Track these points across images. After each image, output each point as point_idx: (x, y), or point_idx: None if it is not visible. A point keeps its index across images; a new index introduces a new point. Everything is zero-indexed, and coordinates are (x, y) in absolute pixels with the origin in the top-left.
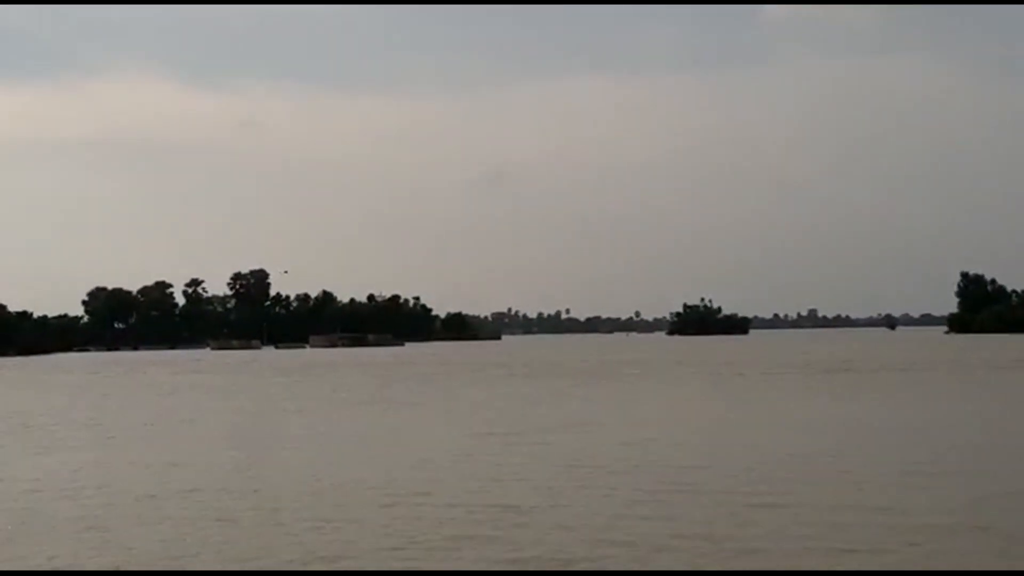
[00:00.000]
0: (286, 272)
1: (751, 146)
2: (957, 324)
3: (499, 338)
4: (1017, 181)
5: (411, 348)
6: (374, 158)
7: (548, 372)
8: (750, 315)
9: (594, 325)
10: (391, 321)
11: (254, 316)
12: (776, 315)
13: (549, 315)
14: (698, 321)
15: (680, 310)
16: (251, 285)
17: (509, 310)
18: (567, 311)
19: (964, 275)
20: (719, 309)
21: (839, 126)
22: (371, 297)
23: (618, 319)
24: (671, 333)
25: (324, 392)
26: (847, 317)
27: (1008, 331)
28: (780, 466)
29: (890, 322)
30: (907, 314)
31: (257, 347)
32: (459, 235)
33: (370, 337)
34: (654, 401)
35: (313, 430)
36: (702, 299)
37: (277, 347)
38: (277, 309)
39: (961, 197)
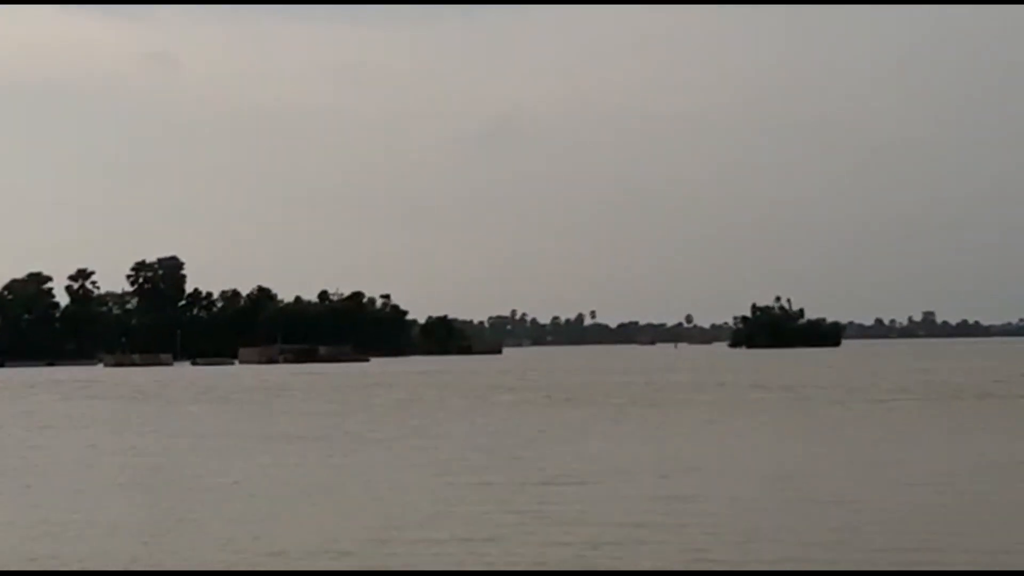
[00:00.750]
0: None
1: (841, 96)
2: None
3: (499, 351)
4: None
5: (378, 364)
6: (327, 106)
7: (562, 397)
8: (843, 320)
9: (629, 333)
10: (351, 328)
11: (163, 321)
12: (879, 320)
13: (567, 320)
14: (771, 328)
15: (747, 314)
16: (159, 278)
17: (513, 314)
18: (592, 315)
19: None
20: (800, 312)
21: (960, 70)
22: (324, 295)
23: (662, 326)
24: (735, 344)
25: (252, 427)
26: (976, 324)
27: None
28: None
29: None
30: None
31: (168, 363)
32: (445, 211)
33: (322, 350)
34: (711, 437)
35: (233, 479)
36: (777, 299)
37: (195, 363)
38: (195, 311)
39: None
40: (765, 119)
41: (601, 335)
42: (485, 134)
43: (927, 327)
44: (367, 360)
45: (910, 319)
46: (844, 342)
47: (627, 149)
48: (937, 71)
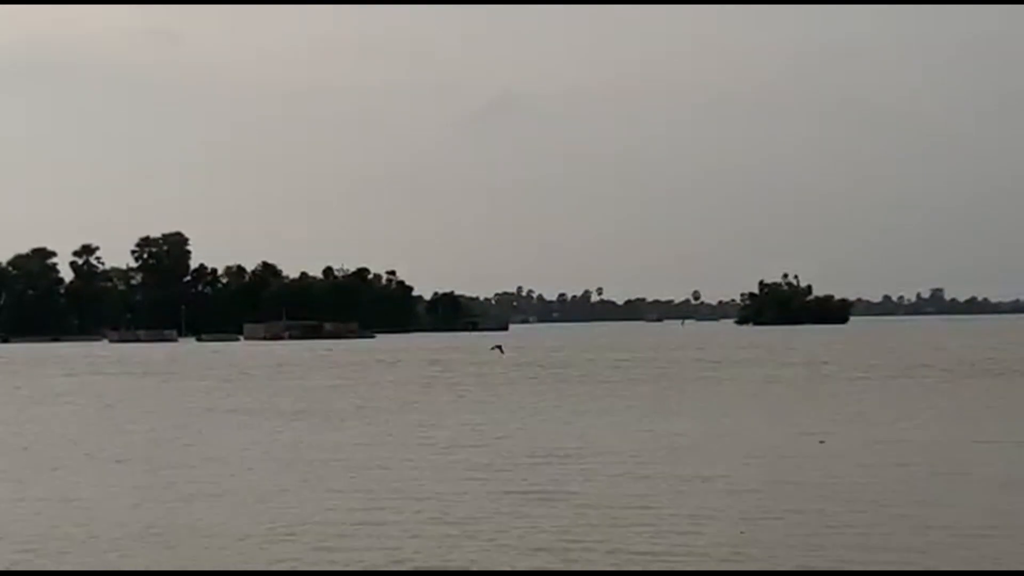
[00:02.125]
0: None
1: (853, 76)
2: None
3: (506, 328)
4: None
5: (384, 341)
6: (331, 82)
7: (570, 374)
8: (851, 297)
9: (636, 310)
10: (357, 304)
11: (168, 297)
12: (887, 297)
13: (574, 297)
14: (779, 305)
15: (755, 290)
16: (164, 254)
17: (519, 290)
18: (599, 292)
19: None
20: (808, 289)
21: (976, 48)
22: (329, 271)
23: (670, 302)
24: (742, 321)
25: (258, 404)
26: (984, 300)
27: None
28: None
29: None
30: None
31: (172, 339)
32: (450, 188)
33: (327, 326)
34: (718, 415)
35: (219, 453)
36: (784, 275)
37: (200, 339)
38: (200, 287)
39: None
40: (775, 97)
41: (608, 312)
42: (491, 110)
43: (935, 304)
44: (373, 337)
45: (918, 296)
46: (852, 319)
47: (632, 126)
48: (955, 51)
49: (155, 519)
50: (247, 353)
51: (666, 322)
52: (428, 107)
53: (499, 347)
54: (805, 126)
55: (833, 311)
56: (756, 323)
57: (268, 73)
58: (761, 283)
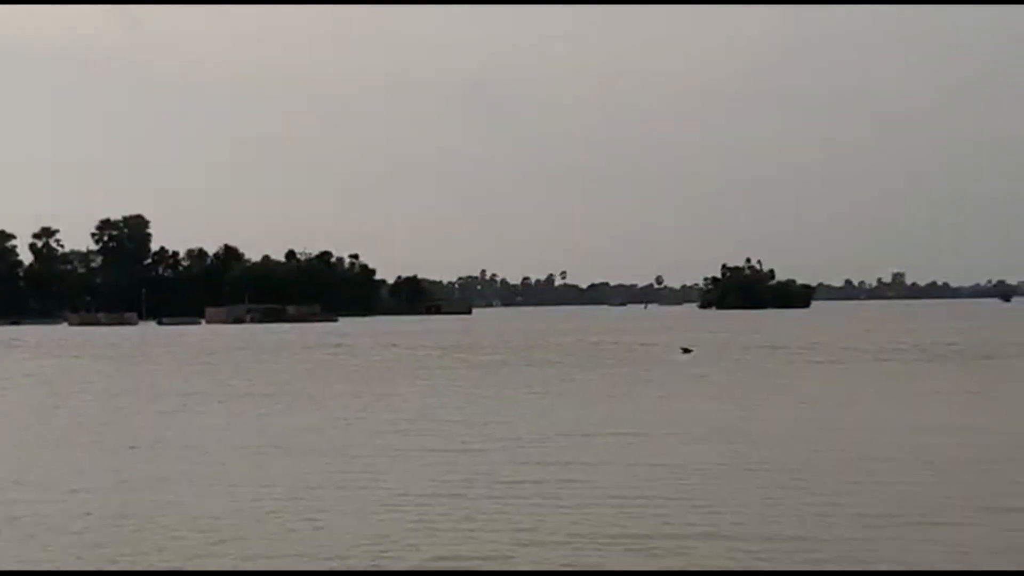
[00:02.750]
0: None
1: (817, 60)
2: None
3: (469, 311)
4: None
5: (347, 324)
6: (296, 66)
7: (534, 357)
8: (813, 282)
9: (600, 295)
10: (320, 287)
11: (129, 280)
12: (848, 282)
13: (538, 281)
14: (742, 289)
15: (718, 275)
16: (124, 237)
17: (483, 274)
18: (562, 276)
19: None
20: (771, 274)
21: (947, 36)
22: (291, 254)
23: (633, 287)
24: (705, 305)
25: (209, 386)
26: (945, 285)
27: None
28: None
29: (1004, 292)
30: None
31: (133, 322)
32: (415, 171)
33: (290, 310)
34: (668, 399)
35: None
36: (747, 260)
37: (161, 323)
38: (161, 270)
39: None
40: (745, 85)
41: (571, 296)
42: (458, 96)
43: (896, 288)
44: (336, 320)
45: (879, 280)
46: (813, 303)
47: (599, 112)
48: (922, 38)
49: (94, 506)
50: (207, 336)
51: (629, 306)
52: (394, 94)
53: (687, 349)
54: (766, 113)
55: (795, 296)
56: (719, 307)
57: (232, 55)
58: (724, 268)
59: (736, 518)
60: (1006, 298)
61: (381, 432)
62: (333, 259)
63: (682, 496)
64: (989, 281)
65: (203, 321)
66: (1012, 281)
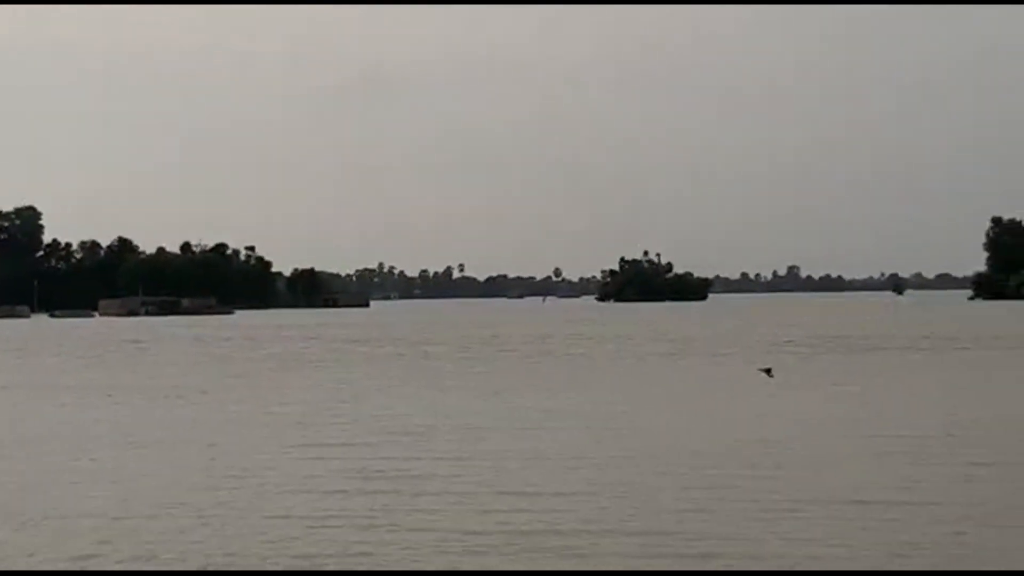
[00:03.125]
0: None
1: (714, 49)
2: (985, 287)
3: (367, 304)
4: None
5: (242, 317)
6: (194, 52)
7: (429, 350)
8: (710, 275)
9: (498, 287)
10: (215, 280)
11: (20, 272)
12: (745, 275)
13: (436, 274)
14: (640, 282)
15: (616, 267)
16: (16, 229)
17: (381, 267)
18: (460, 268)
19: (996, 221)
20: (669, 267)
21: (840, 27)
22: (186, 247)
23: (531, 279)
24: (603, 298)
25: (94, 380)
26: (839, 278)
27: None
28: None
29: (897, 284)
30: (919, 274)
31: (25, 315)
32: (313, 162)
33: (185, 302)
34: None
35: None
36: (645, 253)
37: (53, 315)
38: (53, 262)
39: (997, 126)
40: (638, 73)
41: (470, 288)
42: (354, 85)
43: (792, 281)
44: (231, 313)
45: (775, 273)
46: (710, 296)
47: (496, 103)
48: (804, 23)
49: None
50: (100, 329)
51: (528, 299)
52: (291, 84)
53: (767, 370)
54: (659, 104)
55: (693, 288)
56: (617, 299)
57: (127, 41)
58: (622, 260)
59: (610, 512)
60: (898, 291)
61: (267, 425)
62: (229, 251)
63: (566, 491)
64: (882, 274)
65: (96, 314)
66: (904, 274)
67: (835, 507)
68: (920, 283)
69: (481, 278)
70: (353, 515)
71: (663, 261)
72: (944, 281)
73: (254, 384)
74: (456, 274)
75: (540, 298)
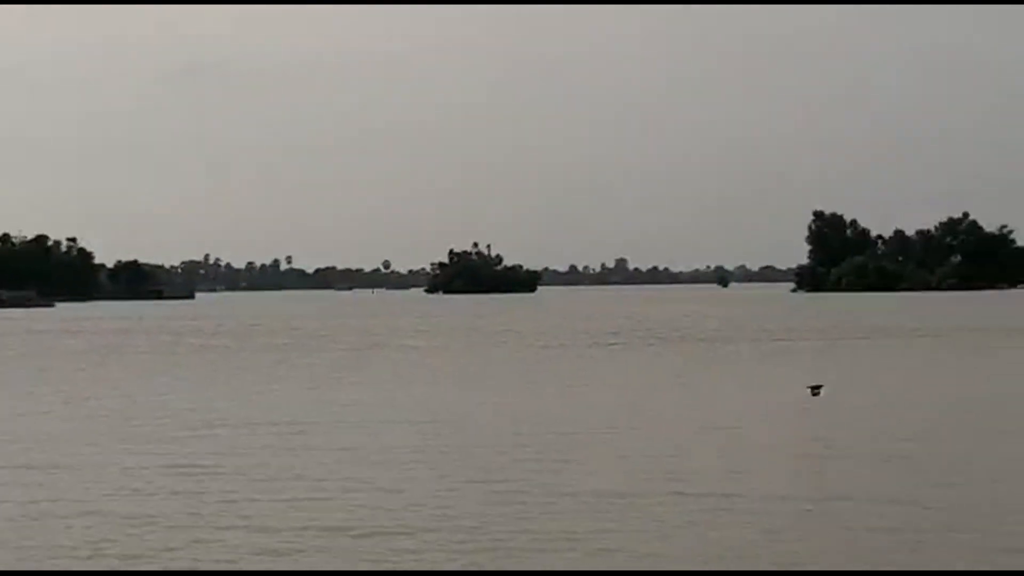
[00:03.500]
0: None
1: (519, 41)
2: (808, 280)
3: (192, 296)
4: (887, 103)
5: (64, 309)
6: (12, 39)
7: (254, 343)
8: (539, 267)
9: (326, 279)
10: (35, 272)
11: None
12: (573, 267)
13: (263, 265)
14: (469, 275)
15: (445, 260)
16: None
17: (207, 258)
18: (288, 260)
19: (818, 215)
20: (499, 259)
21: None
22: (5, 238)
23: (360, 271)
24: (432, 290)
25: None
26: (666, 271)
27: (872, 289)
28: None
29: (722, 277)
30: (743, 267)
31: None
32: (138, 152)
33: (2, 295)
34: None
35: None
36: (475, 245)
37: None
38: None
39: (818, 121)
40: (464, 62)
41: (298, 281)
42: (178, 76)
43: (620, 273)
44: (52, 306)
45: (603, 266)
46: (540, 288)
47: (324, 92)
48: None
49: None
50: None
51: (356, 291)
52: (108, 71)
53: (815, 388)
54: (494, 96)
55: (522, 280)
56: (446, 292)
57: None
58: (451, 253)
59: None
60: (723, 283)
61: (74, 419)
62: (50, 243)
63: (381, 486)
64: (708, 267)
65: None
66: (729, 267)
67: (585, 499)
68: (745, 275)
69: (310, 270)
70: (157, 512)
71: (493, 254)
72: (768, 273)
73: (71, 377)
74: (284, 266)
75: (369, 291)
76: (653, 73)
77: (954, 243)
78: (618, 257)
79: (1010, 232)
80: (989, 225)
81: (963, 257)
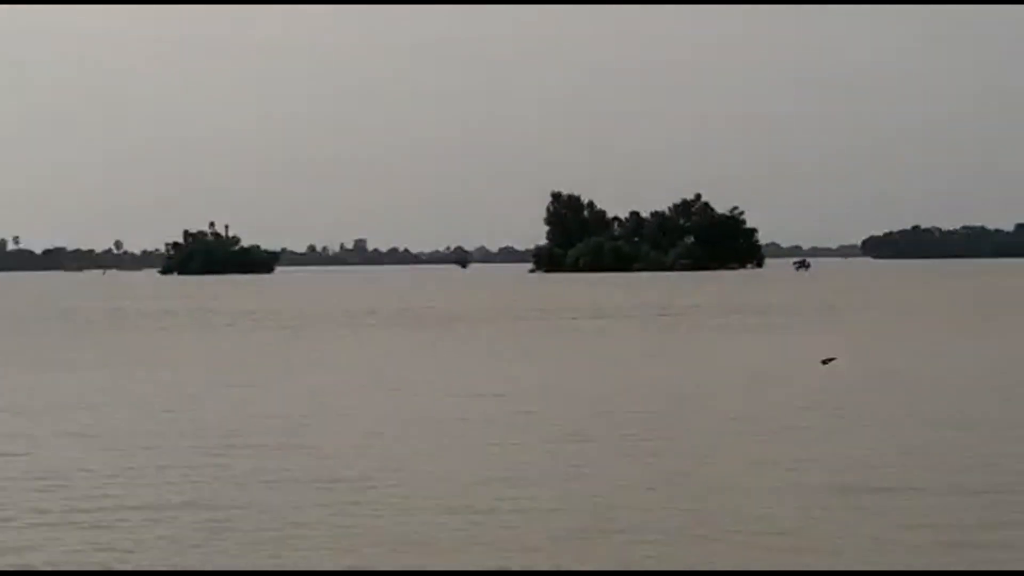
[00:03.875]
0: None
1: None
2: (545, 261)
3: None
4: (621, 80)
5: None
6: None
7: None
8: (278, 247)
9: (56, 260)
10: None
11: None
12: (312, 248)
13: None
14: (204, 255)
15: (180, 240)
16: None
17: None
18: (16, 240)
19: (555, 196)
20: (236, 239)
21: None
22: None
23: (91, 252)
24: (166, 271)
25: None
26: (406, 251)
27: (607, 269)
28: None
29: (461, 258)
30: (483, 248)
31: None
32: None
33: None
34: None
35: None
36: (211, 225)
37: None
38: None
39: (560, 103)
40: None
41: (26, 261)
42: None
43: (359, 254)
44: None
45: (342, 246)
46: (278, 269)
47: (73, 72)
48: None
49: None
50: None
51: (87, 272)
52: None
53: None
54: (207, 75)
55: (259, 262)
56: (181, 273)
57: None
58: (186, 233)
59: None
60: (463, 264)
61: None
62: None
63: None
64: (448, 248)
65: None
66: (468, 248)
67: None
68: (484, 256)
69: (38, 251)
70: None
71: (231, 234)
72: (507, 254)
73: None
74: (11, 246)
75: (99, 271)
76: (394, 55)
77: (687, 224)
78: (357, 238)
79: (741, 213)
80: (721, 207)
81: (696, 238)
